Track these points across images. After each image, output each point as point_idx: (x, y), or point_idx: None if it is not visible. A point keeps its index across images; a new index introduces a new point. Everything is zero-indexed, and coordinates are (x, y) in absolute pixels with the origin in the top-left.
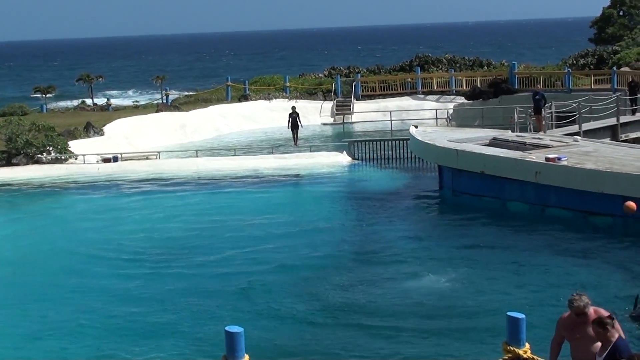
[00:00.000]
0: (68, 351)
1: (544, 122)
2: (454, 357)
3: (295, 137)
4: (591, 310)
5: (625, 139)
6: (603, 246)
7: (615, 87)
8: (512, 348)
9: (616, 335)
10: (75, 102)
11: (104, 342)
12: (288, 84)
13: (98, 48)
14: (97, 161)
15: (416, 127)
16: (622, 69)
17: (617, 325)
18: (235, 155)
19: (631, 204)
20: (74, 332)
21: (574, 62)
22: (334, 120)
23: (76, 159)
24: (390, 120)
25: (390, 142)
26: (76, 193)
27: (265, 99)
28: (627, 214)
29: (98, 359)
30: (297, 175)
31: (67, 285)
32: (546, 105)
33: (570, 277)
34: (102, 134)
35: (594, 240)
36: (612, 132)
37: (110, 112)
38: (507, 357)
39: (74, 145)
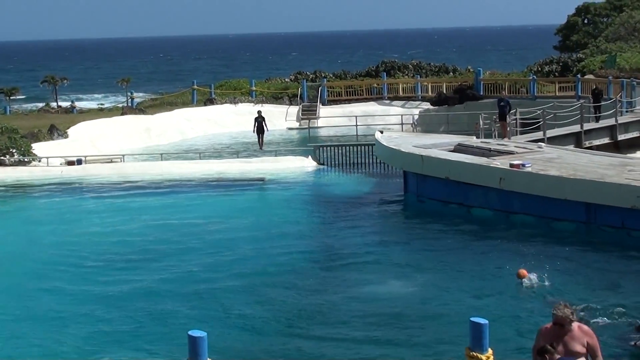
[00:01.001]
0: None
1: (508, 129)
2: None
3: (260, 142)
4: (575, 325)
5: (588, 146)
6: (566, 252)
7: (580, 94)
8: (475, 354)
9: None
10: (40, 104)
11: (61, 346)
12: (254, 88)
13: (61, 51)
14: (61, 164)
15: (382, 132)
16: (586, 77)
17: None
18: (200, 159)
19: (522, 272)
20: (26, 336)
21: (539, 69)
22: (300, 125)
23: (40, 161)
24: (356, 125)
25: (355, 147)
26: (39, 196)
27: (231, 102)
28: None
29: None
30: (262, 180)
31: (26, 288)
32: (511, 111)
33: (532, 283)
34: (67, 137)
35: (558, 246)
36: (576, 139)
37: (75, 115)
38: None
39: (38, 148)
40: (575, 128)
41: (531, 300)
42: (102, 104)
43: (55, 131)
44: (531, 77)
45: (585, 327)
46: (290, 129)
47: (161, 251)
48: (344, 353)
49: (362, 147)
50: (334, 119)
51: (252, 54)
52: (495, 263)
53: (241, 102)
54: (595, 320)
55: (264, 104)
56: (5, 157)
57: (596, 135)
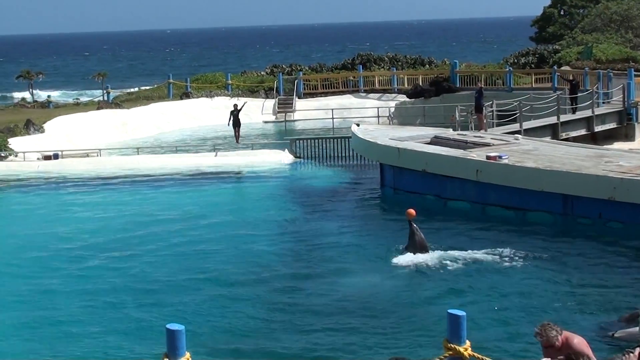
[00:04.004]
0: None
1: (485, 121)
2: (394, 354)
3: (237, 135)
4: (562, 337)
5: (565, 137)
6: (543, 243)
7: (556, 85)
8: (452, 345)
9: None
10: (15, 99)
11: (39, 342)
12: (230, 82)
13: (36, 45)
14: (38, 158)
15: (358, 125)
16: (562, 68)
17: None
18: (176, 152)
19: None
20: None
21: (515, 60)
22: (276, 118)
23: (16, 156)
24: (332, 118)
25: (332, 140)
26: (15, 191)
27: (207, 96)
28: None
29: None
30: (238, 173)
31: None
32: (481, 97)
33: (510, 275)
34: (43, 131)
35: (534, 238)
36: (553, 131)
37: (51, 110)
38: (447, 355)
39: (14, 143)
40: (552, 120)
41: (507, 291)
42: (77, 99)
43: (31, 126)
44: (507, 69)
45: (572, 338)
46: (266, 122)
47: (137, 245)
48: (320, 344)
49: (339, 140)
50: (310, 112)
51: (224, 48)
52: (471, 255)
53: (217, 95)
54: (572, 311)
55: (240, 98)
56: None
57: (573, 126)
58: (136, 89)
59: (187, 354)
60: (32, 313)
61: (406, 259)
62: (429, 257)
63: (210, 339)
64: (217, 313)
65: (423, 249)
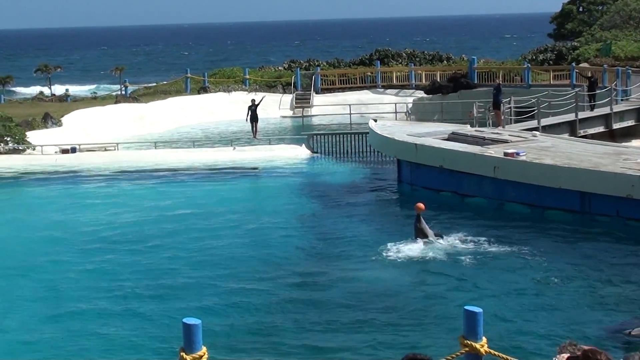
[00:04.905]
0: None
1: (502, 117)
2: (412, 350)
3: (254, 130)
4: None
5: (583, 134)
6: (561, 241)
7: (574, 82)
8: (469, 342)
9: None
10: (34, 92)
11: (50, 334)
12: (248, 77)
13: (53, 39)
14: (55, 152)
15: (375, 120)
16: (580, 65)
17: None
18: (193, 147)
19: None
20: (24, 327)
21: (534, 57)
22: (294, 114)
23: (34, 149)
24: (350, 113)
25: (349, 136)
26: (33, 184)
27: (224, 91)
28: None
29: (46, 352)
30: (255, 168)
31: (17, 276)
32: (499, 94)
33: (526, 272)
34: (61, 125)
35: (552, 235)
36: (571, 128)
37: (69, 103)
38: (464, 351)
39: (32, 136)
40: (570, 117)
41: (525, 288)
42: (95, 93)
43: (49, 119)
44: (526, 66)
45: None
46: (283, 117)
47: (154, 240)
48: (335, 340)
49: (356, 135)
50: (327, 107)
51: (242, 43)
52: (489, 252)
53: (235, 90)
54: (589, 309)
55: (257, 93)
56: None
57: (591, 123)
58: (154, 84)
59: (204, 349)
60: (48, 305)
61: (420, 253)
62: (445, 253)
63: (226, 334)
64: (233, 308)
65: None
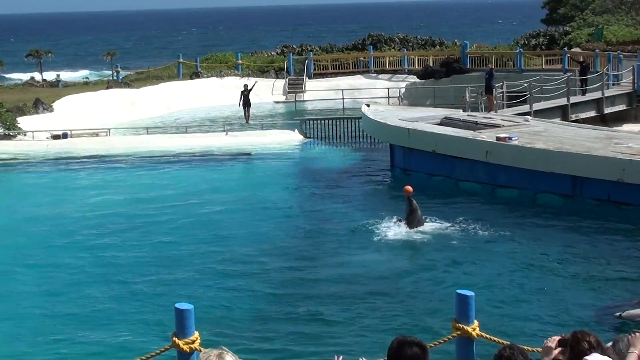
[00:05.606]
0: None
1: (495, 102)
2: (404, 334)
3: (247, 115)
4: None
5: (575, 119)
6: (552, 226)
7: (566, 67)
8: (461, 325)
9: None
10: (25, 78)
11: (46, 326)
12: (240, 62)
13: (44, 24)
14: (47, 138)
15: (368, 105)
16: (572, 50)
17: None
18: (186, 133)
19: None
20: (14, 313)
21: (526, 42)
22: (286, 99)
23: (25, 135)
24: (343, 98)
25: (342, 121)
26: (24, 170)
27: (217, 76)
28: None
29: (44, 343)
30: (248, 154)
31: (8, 263)
32: (491, 79)
33: (518, 255)
34: (52, 111)
35: (543, 219)
36: (563, 112)
37: (60, 89)
38: (456, 334)
39: (23, 122)
40: (562, 101)
41: (516, 273)
42: (87, 78)
43: (40, 105)
44: (518, 50)
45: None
46: (276, 102)
47: (146, 225)
48: (329, 323)
49: (349, 120)
50: (320, 92)
51: (235, 28)
52: (480, 236)
53: (227, 75)
54: (580, 291)
55: (250, 78)
56: None
57: (583, 108)
58: (146, 69)
59: (196, 333)
60: (40, 291)
61: (412, 237)
62: (437, 237)
63: (219, 319)
64: (225, 293)
65: (420, 225)
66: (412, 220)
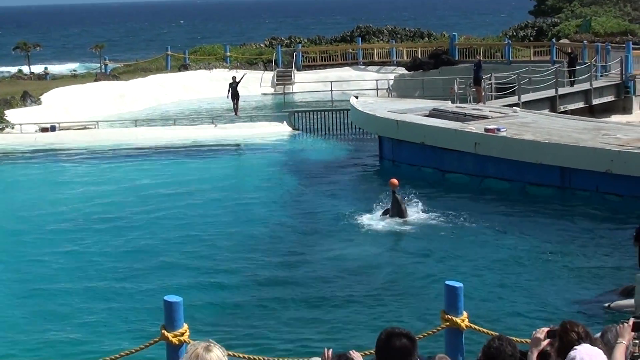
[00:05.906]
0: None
1: (483, 93)
2: (392, 325)
3: (235, 108)
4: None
5: (563, 110)
6: (541, 216)
7: (555, 58)
8: (450, 317)
9: None
10: (12, 71)
11: (30, 319)
12: (229, 54)
13: (32, 17)
14: (35, 131)
15: (357, 97)
16: (561, 41)
17: None
18: (174, 125)
19: (393, 181)
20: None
21: (514, 33)
22: (275, 91)
23: (13, 128)
24: (331, 90)
25: (331, 113)
26: (12, 163)
27: (205, 68)
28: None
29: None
30: (237, 146)
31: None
32: (479, 70)
33: (506, 247)
34: (40, 103)
35: (531, 210)
36: (551, 104)
37: (48, 81)
38: (445, 326)
39: (11, 115)
40: (550, 92)
41: (504, 264)
42: (75, 70)
43: (28, 98)
44: (506, 42)
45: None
46: (265, 94)
47: (134, 218)
48: (318, 315)
49: (338, 112)
50: (308, 84)
51: (223, 20)
52: (469, 227)
53: (216, 67)
54: (569, 283)
55: (238, 70)
56: None
57: (571, 99)
58: (134, 61)
59: (185, 326)
60: (26, 284)
61: (400, 228)
62: (425, 229)
63: (208, 311)
64: (214, 285)
65: (404, 217)
66: (396, 213)
